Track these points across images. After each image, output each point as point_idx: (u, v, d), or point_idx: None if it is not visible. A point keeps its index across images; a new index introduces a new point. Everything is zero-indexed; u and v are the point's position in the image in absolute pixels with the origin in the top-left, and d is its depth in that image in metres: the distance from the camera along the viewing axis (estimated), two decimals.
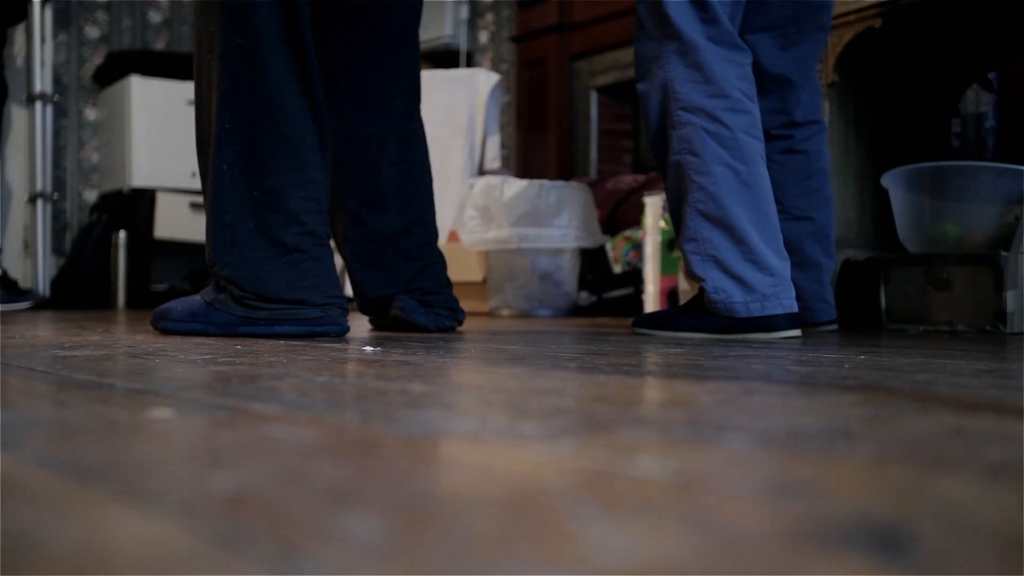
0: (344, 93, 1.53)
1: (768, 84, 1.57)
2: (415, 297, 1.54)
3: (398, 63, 1.57)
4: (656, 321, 1.48)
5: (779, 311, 1.36)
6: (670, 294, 2.51)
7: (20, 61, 3.38)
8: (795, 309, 1.38)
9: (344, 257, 1.61)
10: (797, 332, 1.39)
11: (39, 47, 3.04)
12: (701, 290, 1.40)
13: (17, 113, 3.55)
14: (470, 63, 4.33)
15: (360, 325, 1.73)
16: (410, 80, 1.60)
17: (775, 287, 1.36)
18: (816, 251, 1.63)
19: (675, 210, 1.44)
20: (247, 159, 1.26)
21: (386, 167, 1.55)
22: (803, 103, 1.64)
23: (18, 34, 3.32)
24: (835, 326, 1.73)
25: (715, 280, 1.36)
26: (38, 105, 3.07)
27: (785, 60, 1.59)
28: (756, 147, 1.39)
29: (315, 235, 1.29)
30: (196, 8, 1.31)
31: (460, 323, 1.59)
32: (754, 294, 1.36)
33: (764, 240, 1.37)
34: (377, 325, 1.62)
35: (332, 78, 1.50)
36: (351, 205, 1.56)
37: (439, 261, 1.60)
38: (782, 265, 1.38)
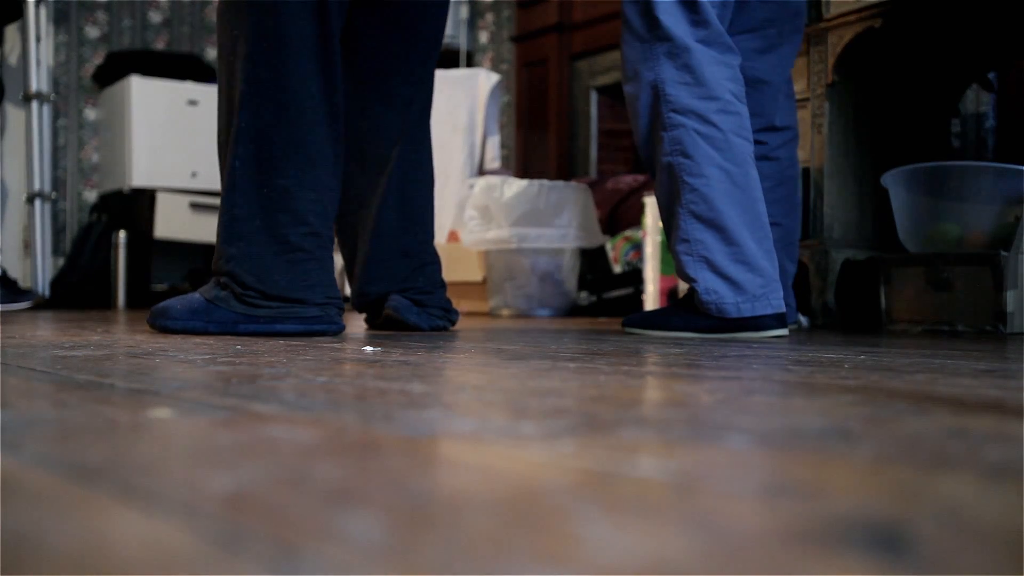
0: (373, 96, 1.57)
1: (747, 87, 1.58)
2: (408, 297, 1.56)
3: (422, 70, 1.61)
4: (647, 321, 1.49)
5: (768, 311, 1.38)
6: (670, 294, 2.51)
7: (14, 60, 3.37)
8: (783, 309, 1.40)
9: (345, 254, 1.63)
10: (784, 331, 1.41)
11: (35, 46, 3.04)
12: (692, 290, 1.41)
13: (15, 113, 3.55)
14: (470, 63, 4.33)
15: (357, 325, 1.73)
16: (428, 85, 1.64)
17: (764, 287, 1.38)
18: (782, 256, 1.64)
19: (666, 212, 1.44)
20: (260, 157, 1.29)
21: (395, 166, 1.58)
22: (780, 107, 1.65)
23: (12, 33, 3.31)
24: (795, 325, 1.77)
25: (707, 281, 1.37)
26: (35, 105, 3.07)
27: (764, 63, 1.60)
28: (747, 148, 1.40)
29: (319, 236, 1.31)
30: (220, 12, 1.34)
31: (453, 323, 1.62)
32: (745, 295, 1.37)
33: (755, 240, 1.38)
34: (372, 324, 1.63)
35: (363, 82, 1.54)
36: (367, 202, 1.59)
37: (434, 261, 1.62)
38: (771, 265, 1.39)
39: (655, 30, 1.40)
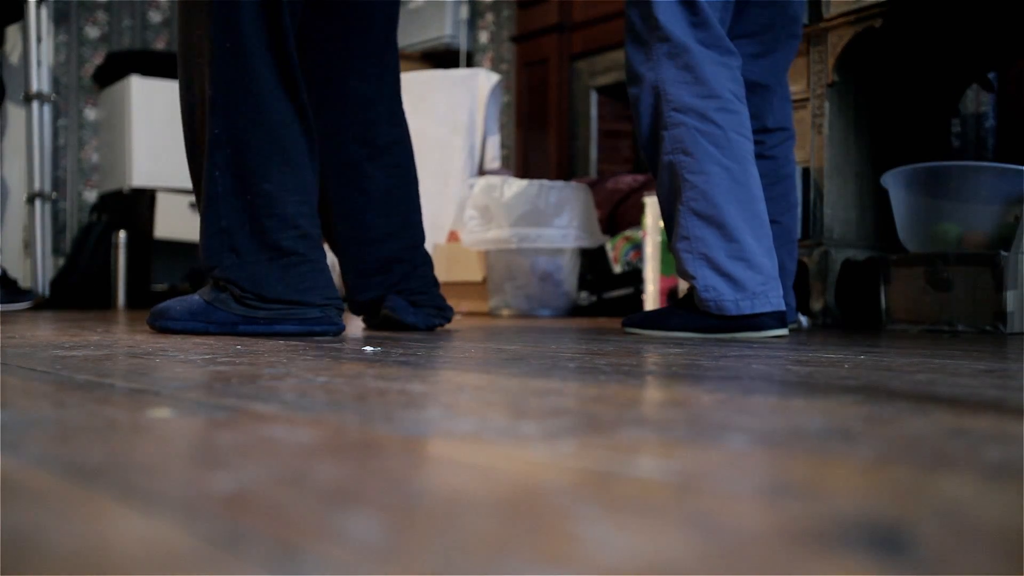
0: (326, 99, 1.54)
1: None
2: (404, 297, 1.56)
3: (378, 67, 1.58)
4: (646, 320, 1.49)
5: (767, 309, 1.38)
6: (670, 294, 2.51)
7: (15, 60, 3.37)
8: (782, 307, 1.40)
9: (337, 258, 1.64)
10: (784, 331, 1.41)
11: (35, 46, 3.04)
12: (691, 289, 1.41)
13: (15, 113, 3.55)
14: (470, 63, 4.33)
15: (357, 325, 1.73)
16: (391, 83, 1.61)
17: (764, 285, 1.38)
18: (782, 254, 1.65)
19: (667, 210, 1.45)
20: (239, 163, 1.27)
21: (372, 170, 1.57)
22: (775, 110, 1.66)
23: (13, 33, 3.31)
24: (795, 325, 1.77)
25: (706, 278, 1.38)
26: (35, 105, 3.07)
27: (760, 67, 1.61)
28: (747, 146, 1.40)
29: (309, 237, 1.31)
30: (181, 13, 1.31)
31: (449, 320, 1.63)
32: (744, 292, 1.37)
33: (755, 238, 1.38)
34: (369, 325, 1.64)
35: (314, 85, 1.52)
36: (340, 208, 1.58)
37: (426, 262, 1.64)
38: (771, 263, 1.39)
39: (655, 31, 1.40)
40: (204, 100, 1.28)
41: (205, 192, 1.28)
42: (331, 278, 1.35)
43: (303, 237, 1.29)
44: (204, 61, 1.27)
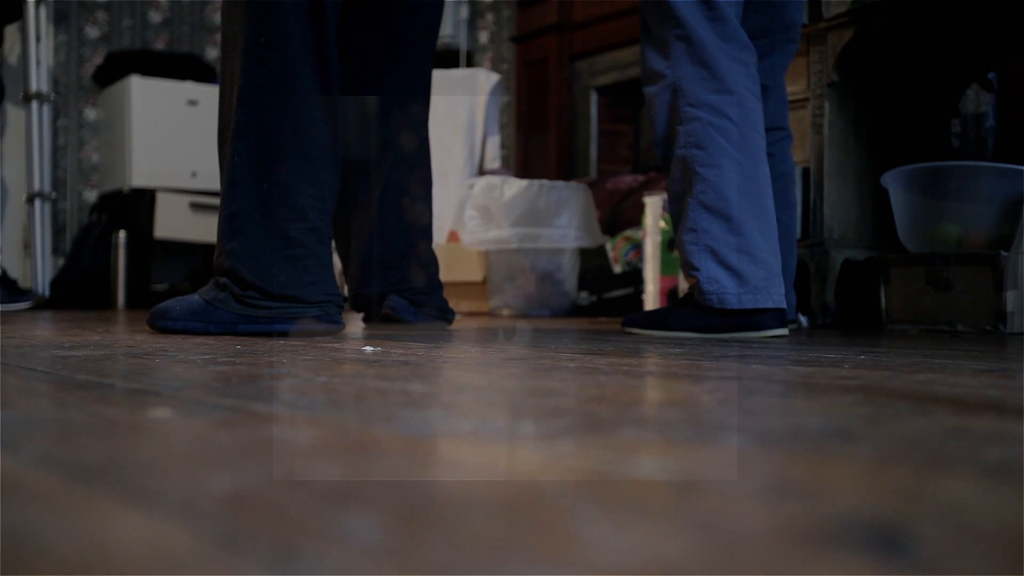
0: (357, 99, 1.57)
1: None
2: (406, 297, 1.58)
3: (416, 72, 1.63)
4: (646, 320, 1.49)
5: (769, 304, 1.38)
6: (670, 294, 2.51)
7: (14, 60, 3.37)
8: (783, 305, 1.40)
9: (342, 255, 1.65)
10: (784, 331, 1.41)
11: (35, 46, 3.04)
12: (692, 287, 1.41)
13: (15, 113, 3.55)
14: (470, 63, 4.33)
15: (357, 325, 1.73)
16: (424, 88, 1.66)
17: (766, 280, 1.38)
18: (781, 252, 1.65)
19: (677, 203, 1.45)
20: (260, 152, 1.29)
21: (390, 169, 1.60)
22: (771, 110, 1.67)
23: (12, 33, 3.31)
24: (795, 325, 1.77)
25: (709, 270, 1.38)
26: (35, 105, 3.07)
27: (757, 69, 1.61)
28: (759, 142, 1.41)
29: (318, 232, 1.31)
30: (224, 7, 1.35)
31: (450, 323, 1.64)
32: (747, 286, 1.37)
33: (761, 233, 1.39)
34: (369, 324, 1.65)
35: (356, 85, 1.56)
36: (359, 204, 1.60)
37: (432, 263, 1.65)
38: (774, 260, 1.40)
39: (674, 29, 1.41)
40: (234, 91, 1.29)
41: (225, 178, 1.30)
42: (333, 274, 1.36)
43: (312, 231, 1.30)
44: (237, 54, 1.30)
